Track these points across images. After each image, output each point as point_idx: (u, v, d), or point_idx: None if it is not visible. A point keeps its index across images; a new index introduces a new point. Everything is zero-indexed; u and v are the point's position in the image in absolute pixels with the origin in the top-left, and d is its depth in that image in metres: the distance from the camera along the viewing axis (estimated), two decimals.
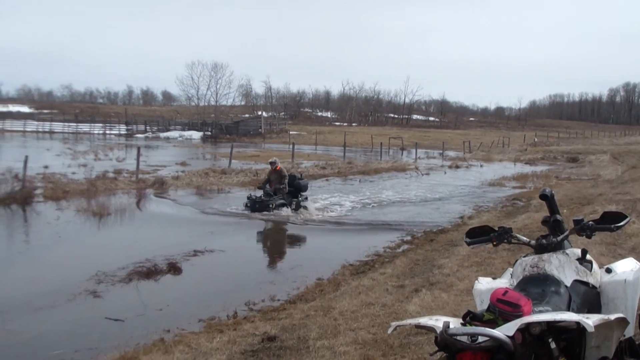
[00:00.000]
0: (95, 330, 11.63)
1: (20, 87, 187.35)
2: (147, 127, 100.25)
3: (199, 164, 46.72)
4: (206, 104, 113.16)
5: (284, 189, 26.18)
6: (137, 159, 35.42)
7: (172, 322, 11.99)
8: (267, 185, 26.28)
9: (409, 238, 20.16)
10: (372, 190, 34.75)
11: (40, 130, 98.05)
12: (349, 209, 27.81)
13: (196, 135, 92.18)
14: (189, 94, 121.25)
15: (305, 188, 27.19)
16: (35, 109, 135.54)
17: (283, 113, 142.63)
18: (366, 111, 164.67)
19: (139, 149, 37.61)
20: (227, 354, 8.66)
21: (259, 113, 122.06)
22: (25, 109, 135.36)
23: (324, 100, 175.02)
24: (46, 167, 39.17)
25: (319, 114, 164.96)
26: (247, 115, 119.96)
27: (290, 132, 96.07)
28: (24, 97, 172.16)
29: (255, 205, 25.00)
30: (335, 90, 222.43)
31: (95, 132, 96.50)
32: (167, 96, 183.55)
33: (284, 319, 10.97)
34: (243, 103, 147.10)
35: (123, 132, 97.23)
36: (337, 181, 39.81)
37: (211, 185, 33.27)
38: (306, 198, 27.24)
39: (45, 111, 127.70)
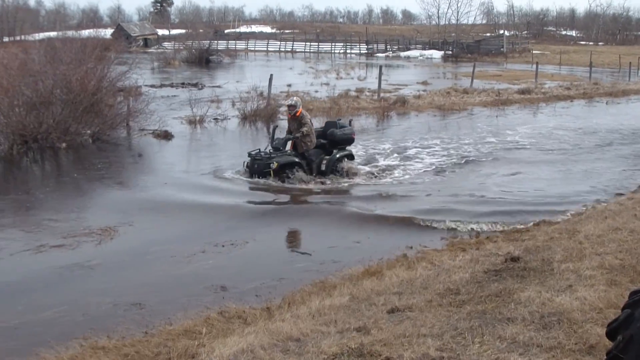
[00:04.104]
0: (340, 244, 11.98)
1: (263, 8, 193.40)
2: (388, 46, 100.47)
3: (439, 83, 46.41)
4: (447, 22, 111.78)
5: (301, 138, 17.21)
6: (379, 78, 35.61)
7: (414, 238, 12.17)
8: (274, 138, 17.84)
9: None
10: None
11: (282, 49, 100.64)
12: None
13: (437, 54, 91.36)
14: (429, 12, 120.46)
15: (344, 141, 17.91)
16: (277, 29, 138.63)
17: (525, 32, 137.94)
18: (614, 29, 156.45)
19: (380, 67, 37.80)
20: (469, 272, 8.65)
21: (501, 32, 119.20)
22: (267, 29, 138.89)
23: (569, 19, 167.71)
24: (289, 85, 40.27)
25: (563, 32, 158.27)
26: (488, 34, 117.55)
27: (533, 52, 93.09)
28: (266, 17, 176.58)
29: (254, 166, 16.95)
30: (581, 8, 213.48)
31: (336, 51, 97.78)
32: (407, 15, 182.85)
33: (527, 240, 10.82)
34: (484, 22, 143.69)
35: (363, 51, 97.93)
36: (582, 103, 38.26)
37: (453, 105, 32.91)
38: (349, 155, 18.23)
39: (287, 31, 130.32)
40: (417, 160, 20.16)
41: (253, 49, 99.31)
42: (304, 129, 17.03)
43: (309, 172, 17.14)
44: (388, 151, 21.20)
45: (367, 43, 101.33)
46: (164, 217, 13.88)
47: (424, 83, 45.61)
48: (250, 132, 25.49)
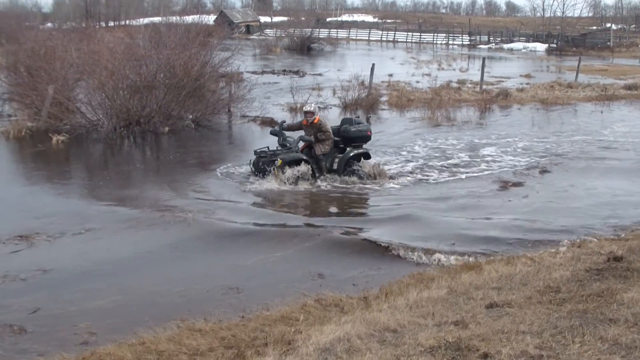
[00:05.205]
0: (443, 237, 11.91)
1: None
2: (490, 38, 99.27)
3: (543, 76, 45.54)
4: (552, 15, 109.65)
5: (318, 142, 16.05)
6: (482, 70, 35.32)
7: (517, 234, 12.02)
8: (283, 135, 16.27)
9: None
10: None
11: (384, 39, 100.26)
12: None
13: (540, 47, 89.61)
14: (534, 4, 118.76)
15: (358, 138, 16.47)
16: (379, 18, 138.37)
17: (634, 25, 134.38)
18: None
19: (483, 59, 37.44)
20: (570, 270, 8.50)
21: (608, 25, 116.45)
22: (369, 18, 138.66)
23: None
24: (390, 75, 40.18)
25: None
26: (594, 28, 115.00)
27: None
28: (368, 7, 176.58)
29: (258, 163, 15.78)
30: None
31: (438, 42, 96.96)
32: (510, 6, 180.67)
33: (631, 240, 10.59)
34: (591, 14, 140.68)
35: (466, 42, 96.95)
36: None
37: (556, 99, 32.22)
38: (365, 154, 16.69)
39: (389, 21, 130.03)
40: (487, 160, 18.77)
41: (354, 37, 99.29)
42: (322, 136, 15.92)
43: (319, 172, 15.92)
44: (459, 147, 20.52)
45: (469, 34, 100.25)
46: (248, 204, 14.09)
47: (527, 76, 44.88)
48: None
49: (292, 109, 26.09)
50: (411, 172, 17.22)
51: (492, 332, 6.04)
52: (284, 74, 40.36)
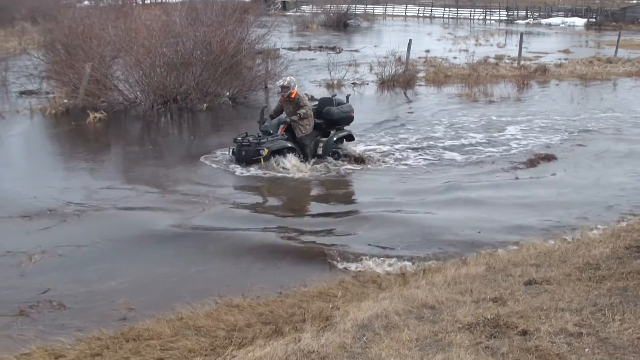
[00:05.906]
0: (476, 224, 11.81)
1: None
2: (528, 13, 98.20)
3: (582, 51, 44.84)
4: None
5: (298, 122, 14.92)
6: (519, 45, 34.91)
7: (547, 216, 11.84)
8: (264, 119, 15.40)
9: None
10: None
11: (421, 15, 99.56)
12: None
13: (579, 22, 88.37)
14: None
15: (342, 120, 15.76)
16: None
17: None
18: None
19: (521, 35, 37.13)
20: (610, 247, 8.42)
21: None
22: None
23: None
24: (427, 51, 39.85)
25: None
26: (635, 2, 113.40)
27: None
28: None
29: (241, 152, 14.89)
30: None
31: (475, 17, 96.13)
32: None
33: None
34: None
35: (503, 17, 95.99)
36: None
37: (595, 74, 31.73)
38: (348, 137, 16.14)
39: None
40: (519, 138, 18.12)
41: (391, 13, 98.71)
42: (302, 111, 14.81)
43: (303, 158, 15.05)
44: (477, 126, 19.82)
45: (507, 9, 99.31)
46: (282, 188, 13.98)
47: (566, 51, 44.22)
48: (388, 97, 25.38)
49: (329, 85, 26.03)
50: (429, 151, 16.75)
51: (530, 309, 6.02)
52: (320, 51, 40.24)
